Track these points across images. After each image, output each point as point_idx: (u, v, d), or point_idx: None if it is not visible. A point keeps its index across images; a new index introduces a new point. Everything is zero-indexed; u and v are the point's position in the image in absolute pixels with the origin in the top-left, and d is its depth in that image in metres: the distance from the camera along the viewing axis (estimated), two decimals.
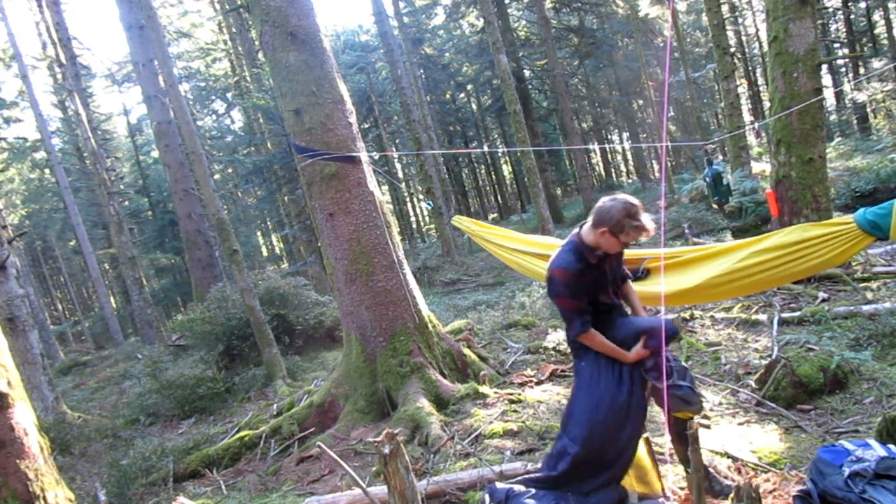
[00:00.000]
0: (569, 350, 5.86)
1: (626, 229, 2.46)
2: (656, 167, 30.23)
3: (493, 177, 34.74)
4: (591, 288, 2.63)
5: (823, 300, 5.67)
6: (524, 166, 13.44)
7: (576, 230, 2.67)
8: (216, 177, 27.72)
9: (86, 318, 28.83)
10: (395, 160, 31.50)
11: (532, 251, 3.78)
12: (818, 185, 6.47)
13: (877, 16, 22.89)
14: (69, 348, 22.87)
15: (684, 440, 2.65)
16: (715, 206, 11.95)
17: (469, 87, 29.57)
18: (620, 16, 23.17)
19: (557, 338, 6.16)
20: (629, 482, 2.70)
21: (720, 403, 4.00)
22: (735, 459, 3.15)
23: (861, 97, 19.94)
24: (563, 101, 19.39)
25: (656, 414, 4.02)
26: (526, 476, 2.79)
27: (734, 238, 9.10)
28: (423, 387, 4.85)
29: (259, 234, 34.75)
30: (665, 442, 3.50)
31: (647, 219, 2.50)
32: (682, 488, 2.98)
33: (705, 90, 27.53)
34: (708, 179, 11.42)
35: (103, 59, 38.86)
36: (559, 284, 2.58)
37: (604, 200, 2.55)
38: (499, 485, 2.72)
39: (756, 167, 15.01)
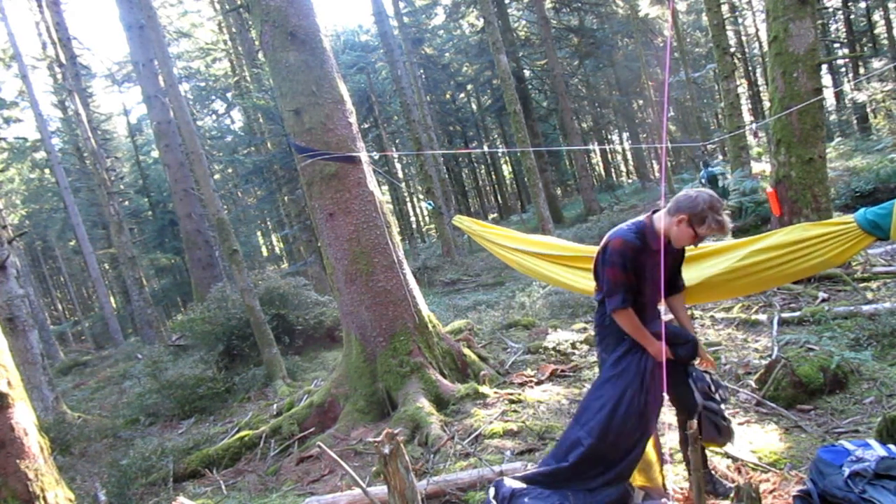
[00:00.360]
0: (569, 350, 5.89)
1: (707, 222, 2.41)
2: (656, 167, 30.24)
3: (493, 177, 34.75)
4: (641, 273, 2.54)
5: (823, 300, 5.67)
6: (524, 166, 13.44)
7: (645, 215, 2.63)
8: (216, 177, 27.73)
9: (86, 318, 28.83)
10: (395, 160, 31.51)
11: (533, 251, 3.78)
12: (818, 185, 6.47)
13: (877, 16, 22.89)
14: (69, 348, 22.88)
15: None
16: None
17: (469, 87, 29.58)
18: (620, 16, 23.18)
19: (557, 338, 6.16)
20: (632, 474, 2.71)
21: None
22: (735, 459, 3.15)
23: (861, 97, 19.94)
24: (563, 101, 19.40)
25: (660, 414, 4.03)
26: (535, 471, 2.78)
27: (734, 238, 9.09)
28: (423, 387, 4.85)
29: (259, 234, 34.76)
30: (665, 441, 3.50)
31: (726, 218, 2.46)
32: (682, 488, 2.98)
33: (705, 90, 27.54)
34: (703, 181, 11.42)
35: (103, 59, 38.89)
36: (614, 253, 2.51)
37: (687, 191, 2.52)
38: (507, 481, 2.70)
39: (756, 167, 15.01)
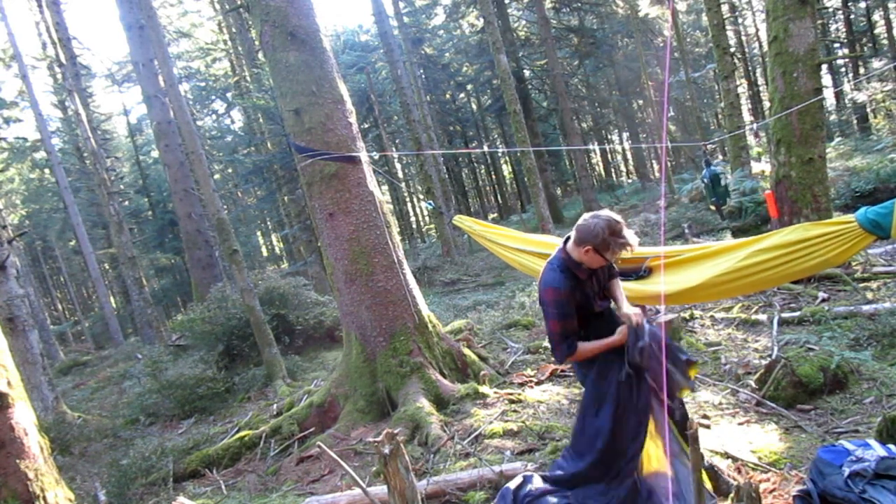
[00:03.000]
0: None
1: (611, 247, 2.47)
2: (656, 167, 30.23)
3: (493, 177, 34.74)
4: (583, 301, 2.64)
5: (823, 300, 5.67)
6: (524, 166, 13.44)
7: (560, 245, 2.69)
8: (216, 177, 27.74)
9: (86, 318, 28.82)
10: (395, 160, 31.50)
11: (533, 250, 3.78)
12: (818, 185, 6.46)
13: (877, 16, 22.89)
14: (69, 348, 22.87)
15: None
16: (712, 207, 11.96)
17: (469, 87, 29.57)
18: (620, 16, 23.16)
19: None
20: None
21: (720, 403, 4.00)
22: (735, 459, 3.15)
23: (861, 97, 19.94)
24: (563, 101, 19.40)
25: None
26: (554, 475, 2.82)
27: (734, 238, 9.10)
28: (423, 387, 4.85)
29: (259, 234, 34.75)
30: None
31: (630, 235, 2.50)
32: None
33: (705, 90, 27.54)
34: (706, 180, 11.41)
35: (103, 59, 38.87)
36: (549, 305, 2.58)
37: (585, 218, 2.55)
38: (535, 481, 2.77)
39: (756, 167, 15.01)
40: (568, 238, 2.65)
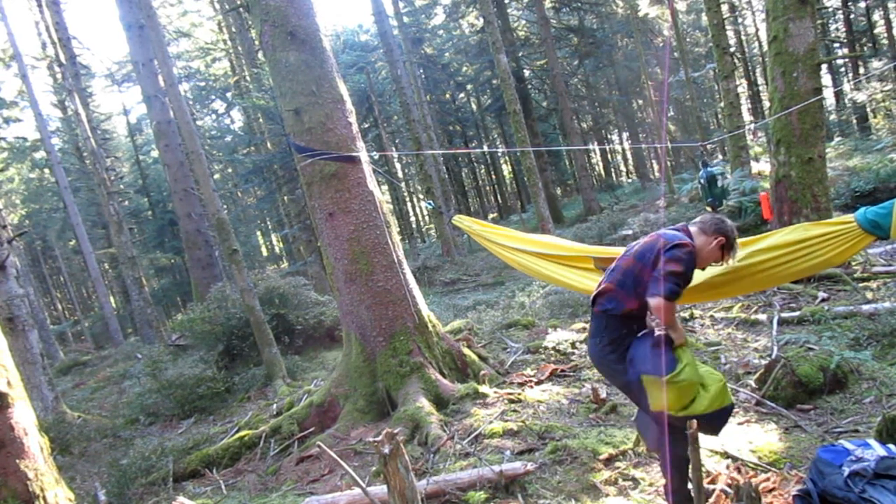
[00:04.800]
0: (569, 350, 5.88)
1: (734, 250, 2.65)
2: (656, 167, 30.22)
3: (493, 177, 34.75)
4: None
5: (823, 300, 5.67)
6: (524, 166, 13.44)
7: (679, 232, 2.64)
8: (216, 177, 27.73)
9: (85, 318, 28.82)
10: (395, 160, 31.50)
11: (534, 250, 3.78)
12: (818, 185, 6.47)
13: (876, 16, 22.89)
14: (69, 348, 22.87)
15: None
16: (708, 208, 11.96)
17: (469, 86, 29.58)
18: (620, 16, 23.17)
19: (557, 337, 6.16)
20: None
21: None
22: (735, 459, 3.15)
23: (861, 97, 19.94)
24: (563, 101, 19.40)
25: None
26: None
27: None
28: (422, 386, 4.85)
29: (259, 233, 34.75)
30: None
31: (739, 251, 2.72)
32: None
33: (705, 90, 27.55)
34: (702, 181, 11.41)
35: (103, 58, 38.84)
36: (688, 255, 2.51)
37: (711, 216, 2.67)
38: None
39: (756, 167, 15.01)
40: (683, 227, 2.68)
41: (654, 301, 2.50)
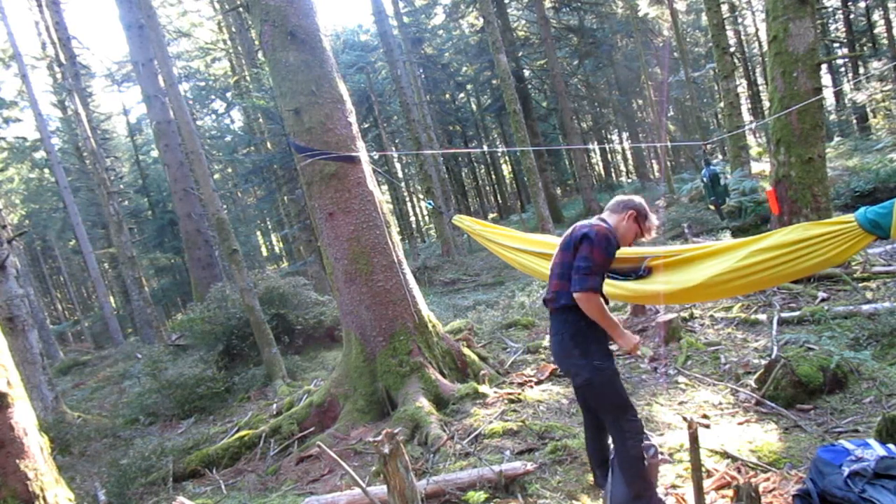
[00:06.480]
0: None
1: (648, 219, 2.76)
2: (656, 167, 30.21)
3: (493, 176, 34.75)
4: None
5: (823, 300, 5.67)
6: (524, 166, 13.44)
7: (593, 220, 2.72)
8: (216, 176, 27.74)
9: (85, 318, 28.81)
10: (395, 160, 31.50)
11: (533, 250, 3.78)
12: (818, 185, 6.47)
13: (876, 15, 22.89)
14: (69, 348, 22.87)
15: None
16: (711, 206, 11.96)
17: (469, 86, 29.58)
18: (620, 15, 23.17)
19: None
20: None
21: (720, 403, 4.01)
22: (735, 459, 3.15)
23: (860, 97, 19.94)
24: (563, 101, 19.39)
25: (656, 413, 4.03)
26: None
27: (734, 238, 9.10)
28: (422, 386, 4.85)
29: (259, 233, 34.74)
30: (665, 441, 3.50)
31: (654, 218, 2.80)
32: (674, 486, 2.98)
33: (705, 90, 27.55)
34: (705, 180, 11.41)
35: (103, 58, 38.82)
36: (603, 239, 2.56)
37: (620, 196, 2.82)
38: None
39: (756, 167, 15.02)
40: (598, 217, 2.77)
41: (576, 296, 2.55)
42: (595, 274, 2.54)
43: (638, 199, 2.77)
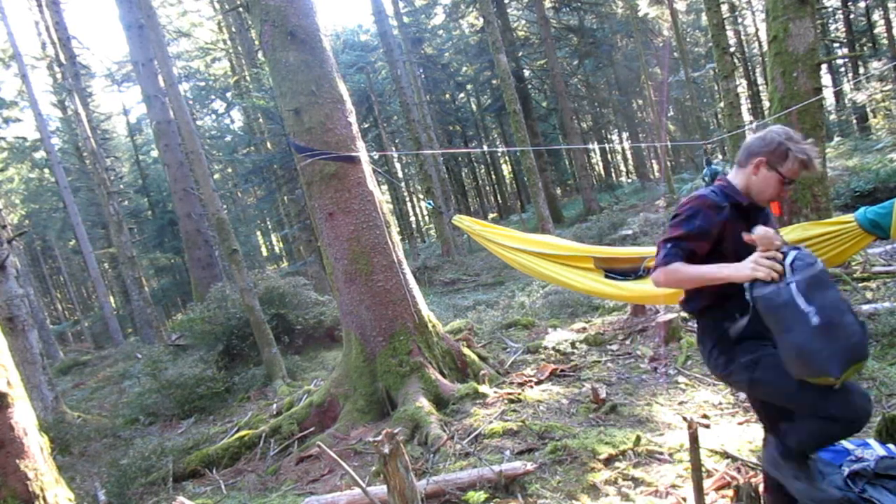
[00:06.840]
0: (569, 350, 5.87)
1: (790, 158, 1.95)
2: (656, 167, 30.21)
3: (493, 176, 34.77)
4: (732, 245, 1.98)
5: None
6: (524, 166, 13.45)
7: (717, 180, 2.18)
8: (216, 176, 27.74)
9: (85, 318, 28.81)
10: (395, 160, 31.51)
11: (533, 250, 3.78)
12: (817, 185, 6.46)
13: (876, 15, 22.89)
14: (69, 348, 22.87)
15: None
16: None
17: (469, 86, 29.59)
18: (620, 16, 23.18)
19: (557, 337, 6.16)
20: None
21: (720, 403, 4.01)
22: (735, 459, 3.15)
23: (860, 97, 19.94)
24: (563, 101, 19.40)
25: (656, 413, 4.03)
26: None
27: None
28: (422, 386, 4.85)
29: (259, 233, 34.75)
30: (665, 441, 3.50)
31: (811, 148, 1.99)
32: (674, 486, 2.98)
33: (705, 90, 27.55)
34: (706, 178, 11.43)
35: (103, 58, 38.85)
36: (688, 209, 2.01)
37: (750, 137, 2.13)
38: None
39: None
40: (720, 179, 2.17)
41: (653, 278, 2.07)
42: (663, 246, 2.04)
43: (776, 130, 2.02)
